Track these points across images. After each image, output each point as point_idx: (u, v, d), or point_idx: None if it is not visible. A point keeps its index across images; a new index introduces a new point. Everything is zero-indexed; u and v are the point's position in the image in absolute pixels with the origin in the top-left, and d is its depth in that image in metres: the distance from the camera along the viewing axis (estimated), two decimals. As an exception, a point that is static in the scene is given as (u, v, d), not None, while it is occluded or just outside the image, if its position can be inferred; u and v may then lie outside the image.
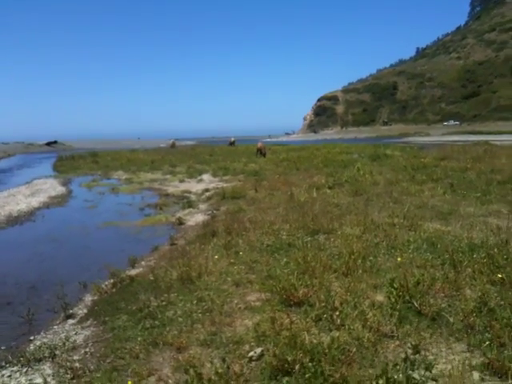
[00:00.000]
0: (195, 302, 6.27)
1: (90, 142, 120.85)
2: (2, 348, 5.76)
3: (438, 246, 7.91)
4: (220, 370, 4.08)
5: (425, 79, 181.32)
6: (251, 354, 4.59)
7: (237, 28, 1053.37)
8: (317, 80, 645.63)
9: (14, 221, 14.92)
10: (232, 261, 7.99)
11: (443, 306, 5.48)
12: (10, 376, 4.97)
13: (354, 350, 4.43)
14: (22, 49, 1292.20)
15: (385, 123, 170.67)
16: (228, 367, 4.12)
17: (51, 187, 23.63)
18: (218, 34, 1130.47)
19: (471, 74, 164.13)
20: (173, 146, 64.18)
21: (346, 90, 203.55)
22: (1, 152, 72.70)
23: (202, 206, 15.74)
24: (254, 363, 4.47)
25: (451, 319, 5.10)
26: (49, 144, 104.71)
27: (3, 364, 5.27)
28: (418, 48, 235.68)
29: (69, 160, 44.45)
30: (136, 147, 77.51)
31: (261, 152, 36.46)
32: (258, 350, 4.61)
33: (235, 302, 6.19)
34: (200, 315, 5.81)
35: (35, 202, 18.53)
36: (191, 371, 4.06)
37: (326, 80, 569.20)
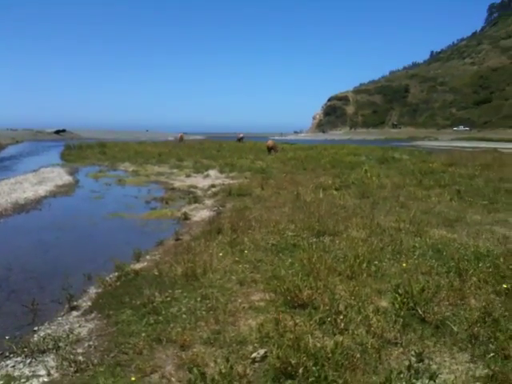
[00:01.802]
0: (199, 299, 6.26)
1: (98, 132, 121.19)
2: (7, 337, 5.75)
3: (444, 253, 7.90)
4: (224, 370, 4.08)
5: (437, 83, 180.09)
6: (254, 354, 4.58)
7: (248, 26, 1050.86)
8: (328, 80, 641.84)
9: (21, 208, 14.98)
10: (237, 259, 7.99)
11: (447, 314, 5.46)
12: (13, 366, 4.96)
13: (358, 355, 4.43)
14: (39, 40, 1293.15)
15: (394, 126, 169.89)
16: (231, 367, 4.11)
17: (58, 176, 23.74)
18: (229, 32, 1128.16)
19: (484, 80, 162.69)
20: (181, 139, 63.98)
21: (356, 91, 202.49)
22: (9, 138, 73.04)
23: (208, 202, 15.75)
24: (257, 364, 4.47)
25: (455, 328, 5.08)
26: (57, 132, 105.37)
27: (7, 354, 5.27)
28: (432, 52, 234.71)
29: (76, 149, 44.46)
30: (144, 139, 77.70)
31: (271, 150, 36.17)
32: (262, 352, 4.60)
33: (239, 301, 6.18)
34: (204, 313, 5.81)
35: (42, 190, 18.60)
36: (195, 370, 4.06)
37: (338, 80, 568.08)
